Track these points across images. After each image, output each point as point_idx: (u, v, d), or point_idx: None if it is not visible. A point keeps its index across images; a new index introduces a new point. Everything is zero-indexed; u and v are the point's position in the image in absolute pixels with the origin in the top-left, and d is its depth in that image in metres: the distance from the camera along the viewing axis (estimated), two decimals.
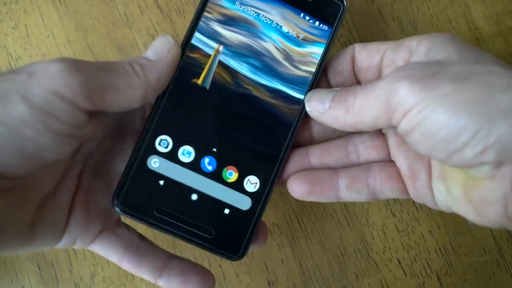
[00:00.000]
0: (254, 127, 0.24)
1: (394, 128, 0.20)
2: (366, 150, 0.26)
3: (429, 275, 0.33)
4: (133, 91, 0.21)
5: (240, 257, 0.24)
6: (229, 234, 0.24)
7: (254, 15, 0.24)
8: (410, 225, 0.33)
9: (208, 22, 0.24)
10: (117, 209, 0.22)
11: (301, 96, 0.25)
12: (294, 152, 0.26)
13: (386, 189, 0.24)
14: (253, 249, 0.25)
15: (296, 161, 0.26)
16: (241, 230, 0.24)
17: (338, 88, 0.23)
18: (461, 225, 0.33)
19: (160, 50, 0.22)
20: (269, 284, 0.33)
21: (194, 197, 0.23)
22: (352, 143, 0.26)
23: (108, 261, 0.33)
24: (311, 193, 0.25)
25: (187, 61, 0.23)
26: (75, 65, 0.19)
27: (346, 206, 0.33)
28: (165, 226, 0.23)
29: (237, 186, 0.24)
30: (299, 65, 0.25)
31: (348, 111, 0.21)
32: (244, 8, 0.24)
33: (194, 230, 0.23)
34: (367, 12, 0.34)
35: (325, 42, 0.25)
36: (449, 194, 0.22)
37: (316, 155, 0.26)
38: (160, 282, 0.24)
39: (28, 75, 0.19)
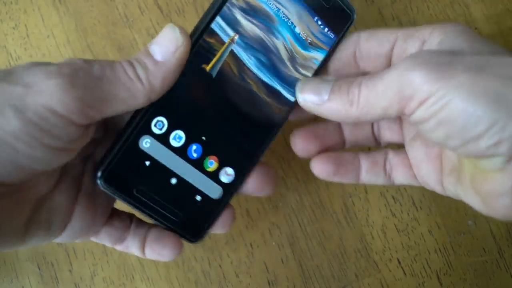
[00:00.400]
0: (245, 122, 0.24)
1: (405, 117, 0.20)
2: (386, 131, 0.26)
3: (429, 275, 0.33)
4: (135, 99, 0.20)
5: (196, 241, 0.25)
6: (194, 219, 0.24)
7: (275, 9, 0.23)
8: (410, 225, 0.33)
9: (232, 9, 0.23)
10: (99, 183, 0.22)
11: (291, 98, 0.25)
12: (327, 122, 0.26)
13: (399, 175, 0.25)
14: (216, 232, 0.26)
15: (327, 136, 0.26)
16: (205, 216, 0.25)
17: (331, 77, 0.23)
18: (461, 225, 0.33)
19: (167, 48, 0.21)
20: (269, 284, 0.33)
21: (173, 181, 0.24)
22: (376, 123, 0.27)
23: (108, 261, 0.33)
24: (336, 174, 0.25)
25: (202, 44, 0.23)
26: (71, 81, 0.18)
27: (346, 206, 0.33)
28: (139, 205, 0.23)
29: (214, 175, 0.24)
30: (299, 68, 0.24)
31: (352, 104, 0.21)
32: (268, 0, 0.23)
33: (165, 213, 0.24)
34: (367, 12, 0.34)
35: (327, 49, 0.25)
36: (459, 183, 0.22)
37: (348, 129, 0.27)
38: (147, 255, 0.25)
39: (23, 89, 0.18)
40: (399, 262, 0.33)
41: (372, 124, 0.27)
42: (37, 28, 0.34)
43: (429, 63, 0.19)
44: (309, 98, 0.22)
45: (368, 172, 0.26)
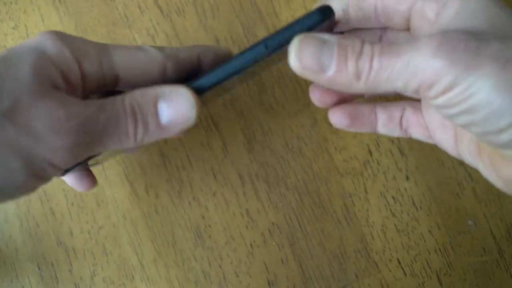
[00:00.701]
0: None
1: (425, 98, 0.19)
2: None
3: (429, 275, 0.33)
4: (123, 147, 0.21)
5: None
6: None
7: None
8: (410, 225, 0.33)
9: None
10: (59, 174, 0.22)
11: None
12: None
13: (415, 132, 0.26)
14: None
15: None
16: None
17: (330, 37, 0.19)
18: (461, 225, 0.33)
19: (176, 118, 0.20)
20: (269, 284, 0.33)
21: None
22: None
23: (108, 261, 0.33)
24: (351, 126, 0.26)
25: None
26: (77, 141, 0.19)
27: (346, 206, 0.33)
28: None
29: None
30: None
31: (359, 78, 0.19)
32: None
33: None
34: None
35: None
36: (479, 158, 0.22)
37: None
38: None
39: (31, 140, 0.18)
40: (399, 262, 0.33)
41: None
42: (37, 28, 0.34)
43: (455, 49, 0.17)
44: (308, 65, 0.19)
45: (384, 126, 0.26)
